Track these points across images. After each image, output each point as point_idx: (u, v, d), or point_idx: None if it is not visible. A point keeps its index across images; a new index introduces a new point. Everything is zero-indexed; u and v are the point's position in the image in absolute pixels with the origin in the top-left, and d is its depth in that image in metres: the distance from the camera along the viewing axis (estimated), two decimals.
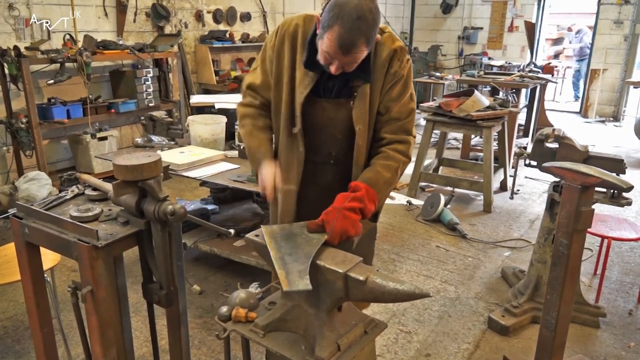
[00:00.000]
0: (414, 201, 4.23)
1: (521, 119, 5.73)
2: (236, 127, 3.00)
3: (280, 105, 1.55)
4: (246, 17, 6.04)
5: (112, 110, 4.40)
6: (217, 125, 3.10)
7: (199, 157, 2.77)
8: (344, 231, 1.29)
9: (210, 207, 3.18)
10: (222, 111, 3.22)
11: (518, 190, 4.60)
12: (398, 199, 4.30)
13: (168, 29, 5.19)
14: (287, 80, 1.50)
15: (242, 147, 2.79)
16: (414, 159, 4.21)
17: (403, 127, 1.50)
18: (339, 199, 1.36)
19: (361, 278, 1.16)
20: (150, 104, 4.69)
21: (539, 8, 8.14)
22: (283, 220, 1.59)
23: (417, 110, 2.01)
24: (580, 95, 8.80)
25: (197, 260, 3.11)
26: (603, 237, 2.71)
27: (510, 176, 4.47)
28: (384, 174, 1.45)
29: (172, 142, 3.17)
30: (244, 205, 3.24)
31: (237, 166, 2.71)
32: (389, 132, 1.50)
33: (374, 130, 1.53)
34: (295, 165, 1.56)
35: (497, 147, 4.60)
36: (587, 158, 2.37)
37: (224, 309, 1.36)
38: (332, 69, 1.38)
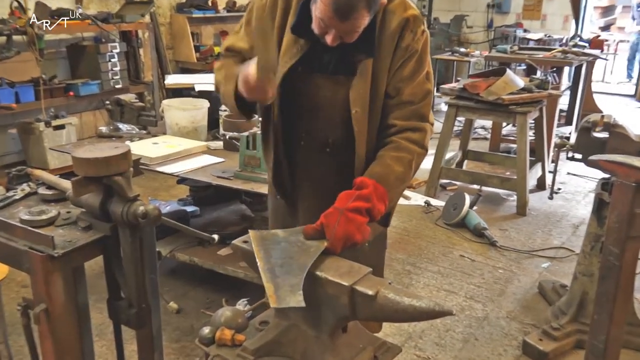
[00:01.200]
0: (434, 202, 4.23)
1: (563, 103, 5.72)
2: (220, 113, 3.01)
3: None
4: None
5: (71, 93, 4.40)
6: (197, 111, 3.10)
7: (176, 149, 2.78)
8: (347, 237, 1.29)
9: (189, 208, 3.19)
10: (203, 94, 3.22)
11: (559, 189, 4.61)
12: (414, 199, 4.31)
13: None
14: (275, 47, 1.50)
15: (227, 137, 2.80)
16: (432, 150, 4.22)
17: (417, 112, 1.50)
18: (341, 198, 1.35)
19: (370, 292, 1.16)
20: (117, 86, 4.69)
21: None
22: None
23: (436, 94, 2.00)
24: (636, 75, 8.79)
25: (174, 273, 3.11)
26: None
27: (550, 172, 4.47)
28: (395, 168, 1.45)
29: (144, 132, 3.17)
30: (230, 207, 3.25)
31: (221, 159, 2.71)
32: (401, 118, 1.50)
33: (382, 116, 1.53)
34: (272, 141, 1.57)
35: (533, 138, 4.60)
36: None
37: (207, 330, 1.36)
38: (328, 39, 1.37)
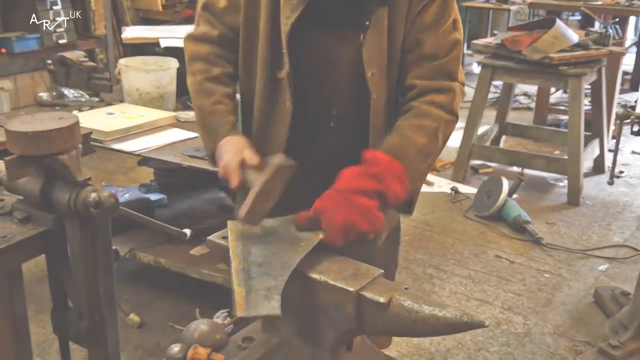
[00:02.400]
0: (462, 188, 4.23)
1: (627, 63, 5.71)
2: None
3: (256, 36, 1.54)
4: None
5: (2, 50, 4.37)
6: (163, 72, 3.09)
7: (137, 122, 2.77)
8: (348, 225, 1.29)
9: (154, 196, 3.19)
10: (171, 51, 3.20)
11: (621, 172, 4.62)
12: (437, 184, 4.31)
13: None
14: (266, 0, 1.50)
15: None
16: (461, 124, 4.23)
17: (442, 68, 1.50)
18: (343, 176, 1.35)
19: (382, 299, 1.16)
20: (62, 41, 4.67)
21: None
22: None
23: (467, 51, 1.98)
24: None
25: (135, 277, 3.12)
26: None
27: (610, 151, 4.47)
28: (415, 139, 1.45)
29: (96, 99, 3.15)
30: (206, 195, 3.25)
31: (194, 135, 2.70)
32: (422, 77, 1.50)
33: (399, 76, 1.54)
34: (280, 129, 1.56)
35: (589, 107, 4.60)
36: None
37: (176, 348, 1.36)
38: None
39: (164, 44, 3.27)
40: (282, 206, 1.41)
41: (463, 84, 1.55)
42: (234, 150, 1.47)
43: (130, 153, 2.61)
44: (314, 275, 1.23)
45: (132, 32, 3.71)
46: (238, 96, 1.69)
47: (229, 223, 1.36)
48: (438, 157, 1.59)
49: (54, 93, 3.25)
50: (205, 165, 2.53)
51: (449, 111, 1.50)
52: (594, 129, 4.52)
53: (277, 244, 1.31)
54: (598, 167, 4.62)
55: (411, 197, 1.53)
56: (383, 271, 1.25)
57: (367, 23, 1.47)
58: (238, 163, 1.43)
